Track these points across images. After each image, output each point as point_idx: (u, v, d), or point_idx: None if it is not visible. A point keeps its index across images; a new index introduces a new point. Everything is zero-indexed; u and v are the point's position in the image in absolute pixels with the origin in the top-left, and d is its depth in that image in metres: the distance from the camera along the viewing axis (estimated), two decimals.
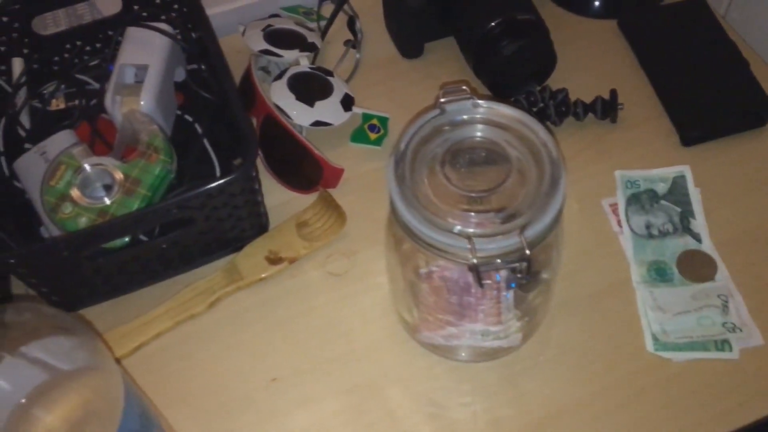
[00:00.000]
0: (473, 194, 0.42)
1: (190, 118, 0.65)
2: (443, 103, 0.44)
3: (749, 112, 0.64)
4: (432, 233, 0.40)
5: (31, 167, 0.58)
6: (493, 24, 0.64)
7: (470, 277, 0.41)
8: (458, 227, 0.40)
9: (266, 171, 0.65)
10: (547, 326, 0.55)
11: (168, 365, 0.56)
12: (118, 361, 0.55)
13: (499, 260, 0.41)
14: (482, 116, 0.45)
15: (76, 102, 0.65)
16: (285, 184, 0.64)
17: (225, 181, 0.52)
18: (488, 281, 0.43)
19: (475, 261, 0.40)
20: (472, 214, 0.41)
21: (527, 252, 0.40)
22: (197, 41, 0.65)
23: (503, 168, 0.43)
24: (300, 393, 0.54)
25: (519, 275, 0.41)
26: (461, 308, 0.47)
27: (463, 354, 0.54)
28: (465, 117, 0.44)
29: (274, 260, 0.59)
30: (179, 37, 0.66)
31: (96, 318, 0.57)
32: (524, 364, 0.54)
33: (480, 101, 0.45)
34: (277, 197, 0.64)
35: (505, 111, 0.45)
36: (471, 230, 0.40)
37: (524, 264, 0.40)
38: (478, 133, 0.44)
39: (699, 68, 0.67)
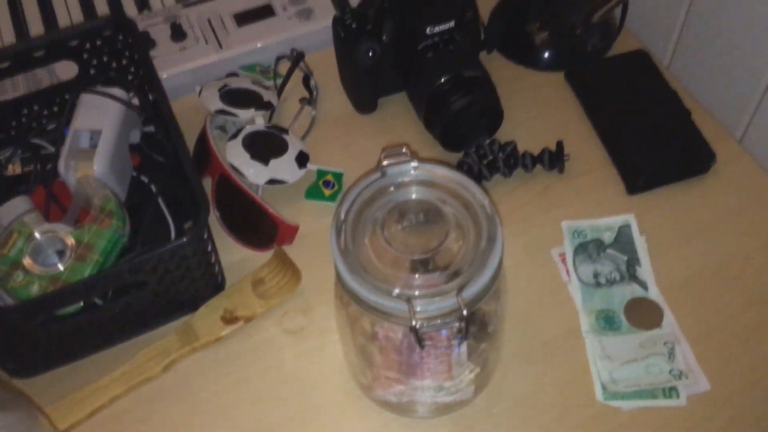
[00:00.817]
0: (414, 256, 0.43)
1: (146, 179, 0.66)
2: (384, 166, 0.46)
3: (692, 160, 0.66)
4: (373, 297, 0.41)
5: None
6: (441, 81, 0.66)
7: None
8: (397, 290, 0.41)
9: (222, 229, 0.66)
10: (500, 377, 0.56)
11: (125, 429, 0.56)
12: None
13: (439, 320, 0.42)
14: (420, 178, 0.46)
15: (32, 167, 0.66)
16: (241, 242, 0.65)
17: (175, 245, 0.53)
18: (429, 342, 0.44)
19: (414, 323, 0.41)
20: (415, 276, 0.43)
21: (464, 312, 0.41)
22: (152, 104, 0.66)
23: (442, 227, 0.44)
24: None
25: (459, 334, 0.42)
26: (408, 367, 0.48)
27: (419, 410, 0.54)
28: (405, 179, 0.46)
29: (229, 320, 0.60)
30: (134, 99, 0.67)
31: (51, 384, 0.57)
32: (477, 417, 0.55)
33: (420, 163, 0.46)
34: (234, 255, 0.65)
35: (441, 172, 0.46)
36: (409, 293, 0.41)
37: (462, 324, 0.41)
38: (416, 195, 0.46)
39: (643, 118, 0.69)
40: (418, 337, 0.41)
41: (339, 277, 0.44)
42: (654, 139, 0.68)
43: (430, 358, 0.47)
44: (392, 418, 0.55)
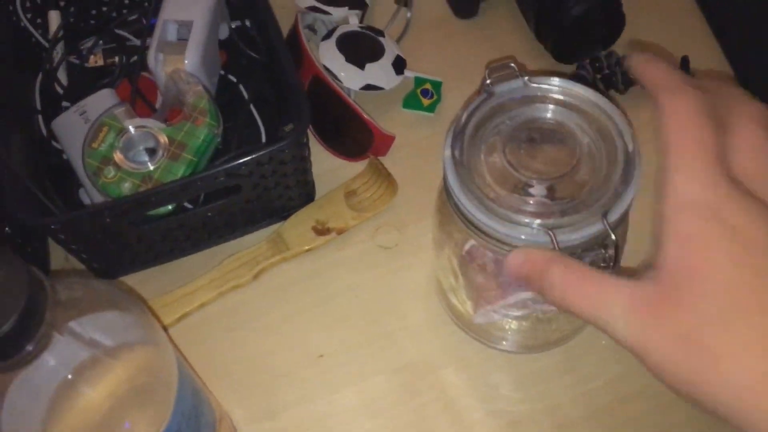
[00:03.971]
0: (537, 180, 0.38)
1: (234, 79, 0.62)
2: (490, 84, 0.41)
3: None
4: (502, 228, 0.37)
5: (70, 128, 0.55)
6: None
7: None
8: (537, 221, 0.37)
9: (313, 136, 0.62)
10: None
11: (211, 337, 0.54)
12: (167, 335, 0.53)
13: (579, 250, 0.37)
14: (544, 94, 0.41)
15: (116, 59, 0.62)
16: (332, 151, 0.61)
17: (276, 148, 0.49)
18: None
19: None
20: (530, 201, 0.38)
21: (613, 237, 0.37)
22: None
23: (570, 151, 0.39)
24: (348, 370, 0.52)
25: (603, 264, 0.38)
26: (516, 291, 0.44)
27: (522, 340, 0.51)
28: (520, 96, 0.41)
29: (321, 231, 0.57)
30: None
31: (138, 286, 0.56)
32: (581, 349, 0.51)
33: (534, 78, 0.41)
34: (324, 164, 0.61)
35: (578, 91, 0.41)
36: (549, 221, 0.37)
37: (611, 251, 0.37)
38: (542, 113, 0.41)
39: None
40: None
41: (454, 204, 0.39)
42: None
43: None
44: (492, 352, 0.52)
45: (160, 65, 0.56)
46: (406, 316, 0.54)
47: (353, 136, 0.60)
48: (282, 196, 0.55)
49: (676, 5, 0.67)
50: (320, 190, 0.60)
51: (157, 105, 0.57)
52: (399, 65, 0.62)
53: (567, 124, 0.40)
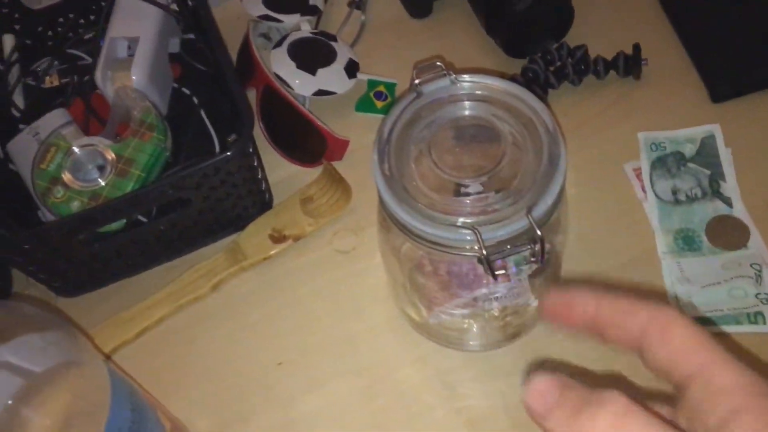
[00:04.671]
0: (468, 179, 0.38)
1: (188, 91, 0.62)
2: (418, 84, 0.41)
3: None
4: (430, 229, 0.37)
5: (24, 149, 0.56)
6: None
7: (480, 269, 0.38)
8: (461, 219, 0.37)
9: (268, 144, 0.62)
10: None
11: (173, 350, 0.54)
12: (108, 356, 0.53)
13: (509, 246, 0.37)
14: (467, 92, 0.41)
15: (70, 78, 0.63)
16: (288, 158, 0.61)
17: (219, 159, 0.49)
18: (502, 270, 0.39)
19: (484, 252, 0.36)
20: (467, 200, 0.38)
21: (539, 233, 0.37)
22: (192, 9, 0.62)
23: (496, 146, 0.39)
24: (308, 376, 0.52)
25: (533, 259, 0.38)
26: (467, 290, 0.44)
27: (479, 338, 0.51)
28: (447, 95, 0.41)
29: (278, 238, 0.57)
30: (173, 5, 0.62)
31: (98, 304, 0.56)
32: (543, 342, 0.51)
33: (461, 76, 0.41)
34: (281, 172, 0.61)
35: (492, 83, 0.41)
36: (474, 219, 0.37)
37: (537, 246, 0.37)
38: (466, 111, 0.40)
39: (731, 15, 0.62)
40: (491, 268, 0.37)
41: (389, 214, 0.39)
42: (744, 40, 0.60)
43: (500, 285, 0.43)
44: (450, 352, 0.51)
45: (109, 82, 0.57)
46: (365, 320, 0.54)
47: (307, 142, 0.60)
48: (236, 206, 0.56)
49: None
50: (279, 197, 0.60)
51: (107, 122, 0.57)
52: (351, 69, 0.62)
53: (494, 121, 0.40)
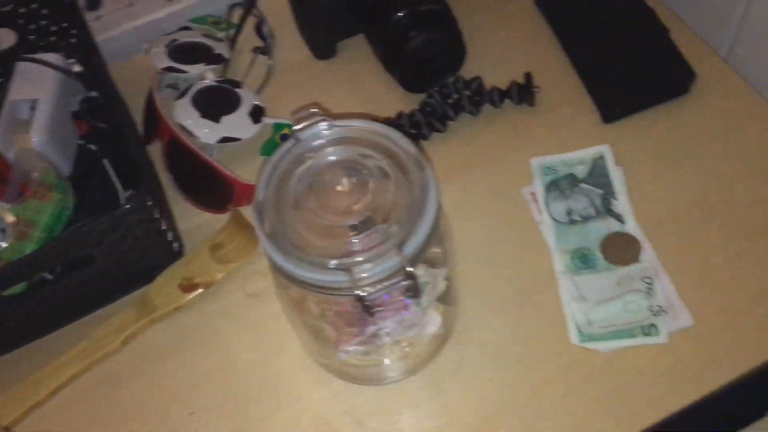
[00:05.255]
0: (344, 220, 0.40)
1: (94, 147, 0.63)
2: (296, 131, 0.42)
3: (671, 82, 0.62)
4: (309, 274, 0.38)
5: None
6: (397, 16, 0.61)
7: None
8: (333, 261, 0.38)
9: (177, 194, 0.63)
10: (468, 328, 0.53)
11: (85, 408, 0.54)
12: (9, 426, 0.53)
13: (386, 282, 0.38)
14: (338, 136, 0.42)
15: None
16: (198, 206, 0.62)
17: (115, 215, 0.50)
18: (379, 308, 0.40)
19: (357, 292, 0.37)
20: (351, 241, 0.39)
21: (409, 269, 0.38)
22: (91, 68, 0.63)
23: (371, 187, 0.41)
24: (220, 426, 0.52)
25: (409, 293, 0.39)
26: (367, 336, 0.45)
27: (384, 372, 0.51)
28: (321, 141, 0.42)
29: (188, 287, 0.57)
30: (76, 64, 0.63)
31: (10, 366, 0.56)
32: (447, 370, 0.52)
33: (335, 122, 0.42)
34: (193, 220, 0.62)
35: (360, 126, 0.42)
36: (347, 261, 0.38)
37: (411, 282, 0.38)
38: (337, 155, 0.42)
39: (618, 40, 0.65)
40: (366, 305, 0.38)
41: (271, 262, 0.40)
42: (629, 63, 0.63)
43: (385, 320, 0.44)
44: (359, 387, 0.52)
45: (9, 145, 0.57)
46: (276, 363, 0.54)
47: (214, 189, 0.61)
48: (143, 258, 0.56)
49: (526, 23, 0.69)
50: (192, 245, 0.60)
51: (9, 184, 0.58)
52: (256, 114, 0.64)
53: (367, 162, 0.42)
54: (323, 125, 0.42)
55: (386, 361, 0.50)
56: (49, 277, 0.55)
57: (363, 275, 0.38)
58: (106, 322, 0.56)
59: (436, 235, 0.41)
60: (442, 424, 0.50)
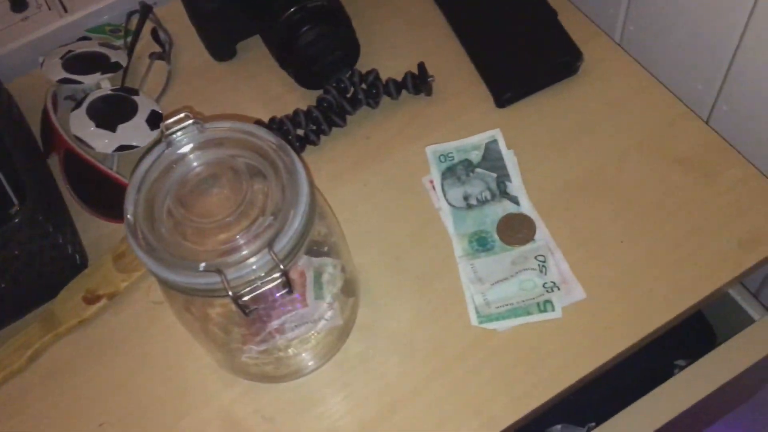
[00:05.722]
0: (218, 222, 0.40)
1: None
2: (167, 135, 0.42)
3: (559, 64, 0.64)
4: (183, 279, 0.38)
5: None
6: (287, 14, 0.62)
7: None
8: (202, 265, 0.38)
9: (79, 206, 0.62)
10: (373, 316, 0.54)
11: None
12: None
13: (260, 281, 0.39)
14: (205, 138, 0.42)
15: None
16: (101, 216, 0.62)
17: (2, 229, 0.49)
18: (259, 306, 0.41)
19: (230, 293, 0.38)
20: (227, 242, 0.39)
21: (282, 267, 0.38)
22: None
23: (243, 187, 0.41)
24: None
25: (285, 290, 0.39)
26: (260, 334, 0.46)
27: (290, 368, 0.52)
28: (190, 145, 0.42)
29: (91, 299, 0.57)
30: None
31: None
32: (353, 361, 0.53)
33: (206, 123, 0.42)
34: (98, 230, 0.61)
35: (225, 126, 0.43)
36: (218, 262, 0.38)
37: (284, 278, 0.39)
38: (206, 158, 0.42)
39: (508, 26, 0.66)
40: (241, 306, 0.39)
41: (150, 272, 0.40)
42: (519, 47, 0.64)
43: (275, 316, 0.44)
44: (266, 386, 0.53)
45: None
46: (184, 369, 0.54)
47: (115, 199, 0.60)
48: (43, 274, 0.55)
49: (422, 14, 0.70)
50: (97, 256, 0.60)
51: None
52: (154, 120, 0.63)
53: (239, 162, 0.42)
54: (192, 129, 0.42)
55: (289, 358, 0.51)
56: None
57: (235, 275, 0.38)
58: (10, 341, 0.55)
59: (320, 226, 0.42)
60: (349, 414, 0.51)
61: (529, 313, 0.52)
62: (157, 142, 0.43)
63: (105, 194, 0.61)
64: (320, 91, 0.64)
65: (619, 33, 0.67)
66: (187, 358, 0.54)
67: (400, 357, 0.53)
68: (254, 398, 0.52)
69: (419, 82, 0.63)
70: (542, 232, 0.56)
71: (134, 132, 0.62)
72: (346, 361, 0.53)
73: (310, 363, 0.52)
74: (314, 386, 0.52)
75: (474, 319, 0.53)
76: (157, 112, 0.64)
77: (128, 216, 0.41)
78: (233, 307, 0.40)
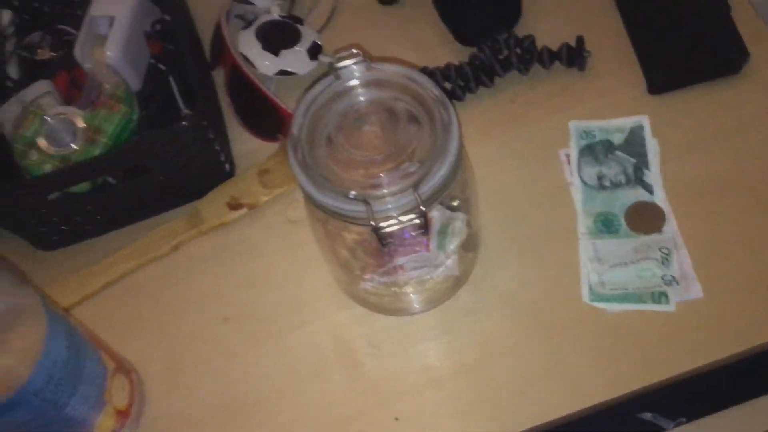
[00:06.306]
0: (372, 156, 0.43)
1: (163, 67, 0.68)
2: (337, 68, 0.45)
3: (722, 58, 0.62)
4: (332, 201, 0.42)
5: (10, 116, 0.62)
6: None
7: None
8: (353, 192, 0.41)
9: (234, 118, 0.67)
10: (486, 272, 0.56)
11: (132, 302, 0.60)
12: (68, 308, 0.59)
13: (400, 218, 0.42)
14: (372, 78, 0.45)
15: (58, 52, 0.68)
16: (251, 132, 0.66)
17: (171, 129, 0.54)
18: (393, 240, 0.44)
19: (372, 223, 0.41)
20: (376, 176, 0.42)
21: (422, 209, 0.41)
22: None
23: (398, 126, 0.44)
24: (250, 333, 0.57)
25: (420, 230, 0.42)
26: (386, 266, 0.49)
27: (402, 304, 0.55)
28: (356, 81, 0.45)
29: (234, 206, 0.62)
30: None
31: (70, 258, 0.62)
32: (461, 311, 0.56)
33: (373, 63, 0.45)
34: (246, 145, 0.66)
35: (392, 70, 0.45)
36: (366, 193, 0.41)
37: (422, 220, 0.42)
38: (366, 96, 0.45)
39: (676, 12, 0.65)
40: (380, 236, 0.42)
41: (301, 189, 0.44)
42: (685, 36, 0.63)
43: (401, 254, 0.47)
44: (377, 316, 0.56)
45: (87, 57, 0.62)
46: (305, 284, 0.59)
47: (268, 118, 0.65)
48: (195, 174, 0.61)
49: None
50: (244, 168, 0.65)
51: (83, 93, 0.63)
52: (314, 51, 0.67)
53: (397, 104, 0.45)
54: (360, 66, 0.45)
55: (404, 295, 0.54)
56: (113, 181, 0.60)
57: (379, 208, 0.41)
58: (158, 228, 0.62)
59: (458, 180, 0.44)
60: (448, 358, 0.54)
61: (642, 301, 0.53)
62: (326, 73, 0.46)
63: (260, 112, 0.65)
64: (474, 49, 0.66)
65: None
66: (312, 275, 0.59)
67: (505, 316, 0.55)
68: (364, 324, 0.56)
69: (574, 55, 0.64)
70: (671, 226, 0.56)
71: (295, 59, 0.66)
72: (456, 309, 0.56)
73: (423, 304, 0.55)
74: (421, 326, 0.56)
75: (586, 296, 0.54)
76: (318, 44, 0.67)
77: (294, 133, 0.44)
78: (369, 236, 0.44)
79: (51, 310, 0.44)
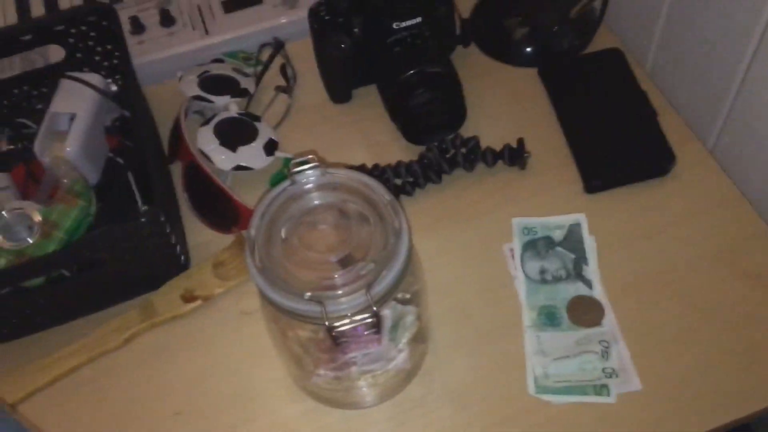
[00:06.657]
0: (325, 258, 0.45)
1: (121, 161, 0.69)
2: (293, 173, 0.48)
3: (651, 161, 0.67)
4: (288, 302, 0.44)
5: None
6: (406, 75, 0.67)
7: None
8: (308, 294, 0.43)
9: (191, 211, 0.69)
10: (436, 366, 0.58)
11: (82, 397, 0.59)
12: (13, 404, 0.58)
13: (352, 317, 0.44)
14: (326, 182, 0.48)
15: (15, 145, 0.70)
16: (207, 224, 0.68)
17: (128, 225, 0.56)
18: (346, 339, 0.46)
19: (326, 323, 0.43)
20: (329, 277, 0.44)
21: (374, 309, 0.43)
22: (125, 89, 0.69)
23: (350, 227, 0.46)
24: (201, 428, 0.57)
25: (373, 329, 0.44)
26: (339, 363, 0.51)
27: (354, 398, 0.56)
28: (312, 185, 0.48)
29: (189, 298, 0.63)
30: (113, 85, 0.70)
31: (20, 350, 0.61)
32: (411, 403, 0.57)
33: (328, 169, 0.48)
34: (202, 236, 0.68)
35: (346, 174, 0.48)
36: (321, 294, 0.43)
37: (374, 319, 0.43)
38: (323, 198, 0.48)
39: (608, 117, 0.70)
40: (334, 336, 0.43)
41: (258, 289, 0.46)
42: (616, 140, 0.68)
43: (354, 352, 0.49)
44: (329, 409, 0.57)
45: (46, 152, 0.63)
46: (259, 377, 0.59)
47: (224, 212, 0.67)
48: (150, 267, 0.62)
49: (527, 90, 0.75)
50: (198, 259, 0.66)
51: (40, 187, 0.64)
52: (270, 147, 0.70)
53: (351, 207, 0.47)
54: (316, 171, 0.48)
55: (357, 389, 0.55)
56: (67, 273, 0.60)
57: (333, 308, 0.43)
58: (111, 321, 0.62)
59: (409, 277, 0.46)
60: None
61: (584, 394, 0.56)
62: (282, 178, 0.49)
63: (216, 205, 0.67)
64: (423, 148, 0.69)
65: (713, 141, 0.70)
66: (264, 368, 0.59)
67: (455, 408, 0.57)
68: (317, 418, 0.57)
69: (516, 155, 0.68)
70: (609, 319, 0.59)
71: (252, 155, 0.68)
72: (406, 402, 0.57)
73: (375, 398, 0.56)
74: (373, 418, 0.57)
75: (532, 388, 0.56)
76: (274, 140, 0.70)
77: (251, 235, 0.46)
78: (323, 334, 0.45)
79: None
